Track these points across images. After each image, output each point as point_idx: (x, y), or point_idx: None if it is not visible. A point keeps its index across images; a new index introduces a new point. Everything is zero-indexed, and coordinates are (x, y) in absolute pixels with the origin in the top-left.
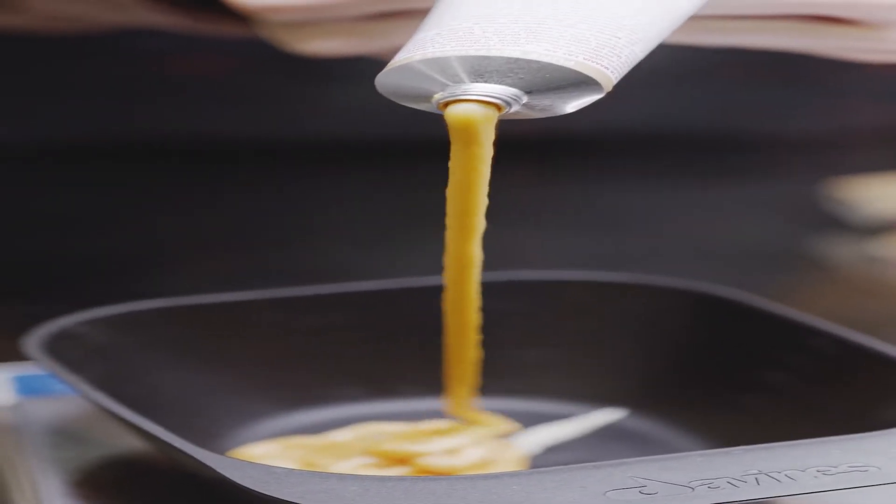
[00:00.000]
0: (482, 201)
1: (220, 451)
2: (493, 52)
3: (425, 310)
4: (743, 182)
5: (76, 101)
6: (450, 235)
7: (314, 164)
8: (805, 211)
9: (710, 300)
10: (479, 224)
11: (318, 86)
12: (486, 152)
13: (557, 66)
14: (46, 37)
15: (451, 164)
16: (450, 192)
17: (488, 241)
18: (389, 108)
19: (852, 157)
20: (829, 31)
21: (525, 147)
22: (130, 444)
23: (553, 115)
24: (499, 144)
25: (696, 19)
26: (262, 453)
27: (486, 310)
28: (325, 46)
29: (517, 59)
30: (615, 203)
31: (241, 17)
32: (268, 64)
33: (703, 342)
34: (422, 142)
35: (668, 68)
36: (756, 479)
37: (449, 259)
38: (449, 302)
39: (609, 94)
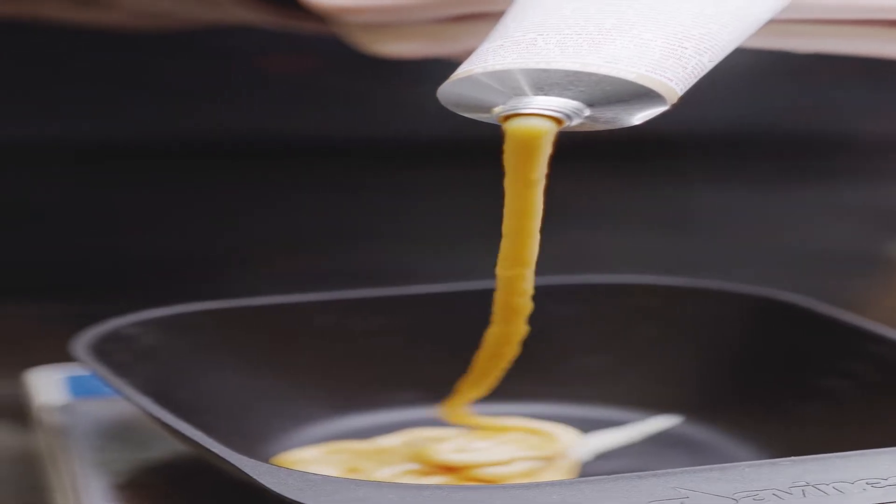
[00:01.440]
0: (538, 213)
1: (268, 455)
2: (553, 65)
3: (480, 314)
4: (824, 184)
5: (164, 98)
6: (505, 244)
7: (396, 164)
8: (889, 213)
9: (771, 305)
10: (535, 236)
11: (406, 86)
12: (543, 166)
13: (618, 78)
14: (136, 34)
15: (507, 175)
16: (506, 204)
17: (565, 241)
18: None
19: None
20: None
21: (604, 148)
22: (177, 447)
23: (618, 126)
24: (581, 145)
25: (776, 24)
26: (308, 458)
27: (545, 314)
28: (401, 48)
29: (577, 73)
30: (697, 206)
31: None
32: (354, 63)
33: (762, 348)
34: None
35: (750, 69)
36: (803, 490)
37: (502, 269)
38: (498, 306)
39: (693, 96)
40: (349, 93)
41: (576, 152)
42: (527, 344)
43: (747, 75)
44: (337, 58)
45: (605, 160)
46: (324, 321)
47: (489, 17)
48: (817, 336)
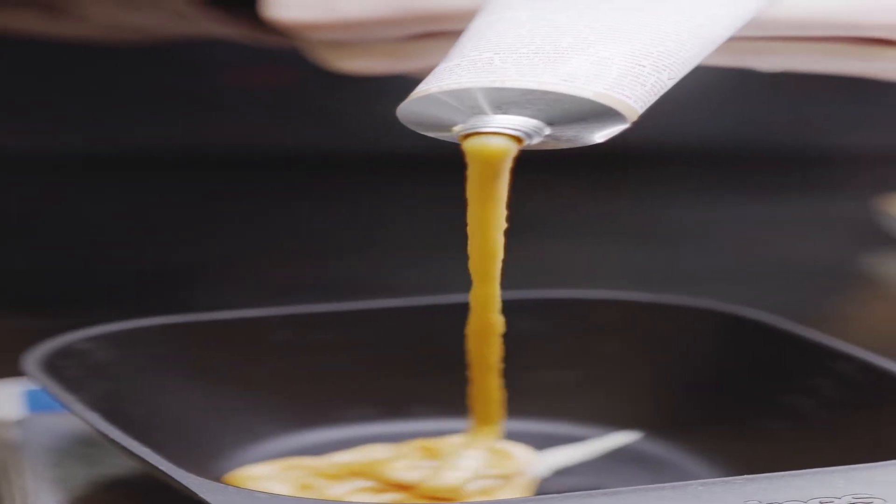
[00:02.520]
0: (500, 228)
1: (223, 471)
2: (509, 84)
3: (439, 328)
4: (800, 198)
5: (134, 111)
6: (471, 263)
7: (371, 176)
8: (863, 227)
9: (733, 321)
10: (499, 248)
11: (380, 99)
12: (504, 184)
13: (575, 96)
14: (108, 47)
15: (468, 193)
16: (469, 222)
17: (540, 254)
18: None
19: None
20: (881, 53)
21: (580, 161)
22: (133, 464)
23: (580, 145)
24: (556, 158)
25: (738, 41)
26: (262, 475)
27: (508, 329)
28: (362, 65)
29: (534, 91)
30: (671, 219)
31: None
32: (327, 76)
33: (723, 364)
34: None
35: (725, 83)
36: None
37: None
38: (472, 323)
39: (668, 108)
40: (322, 105)
41: (550, 165)
42: None
43: (722, 90)
44: (309, 71)
45: (581, 173)
46: (279, 336)
47: (449, 36)
48: (779, 353)
